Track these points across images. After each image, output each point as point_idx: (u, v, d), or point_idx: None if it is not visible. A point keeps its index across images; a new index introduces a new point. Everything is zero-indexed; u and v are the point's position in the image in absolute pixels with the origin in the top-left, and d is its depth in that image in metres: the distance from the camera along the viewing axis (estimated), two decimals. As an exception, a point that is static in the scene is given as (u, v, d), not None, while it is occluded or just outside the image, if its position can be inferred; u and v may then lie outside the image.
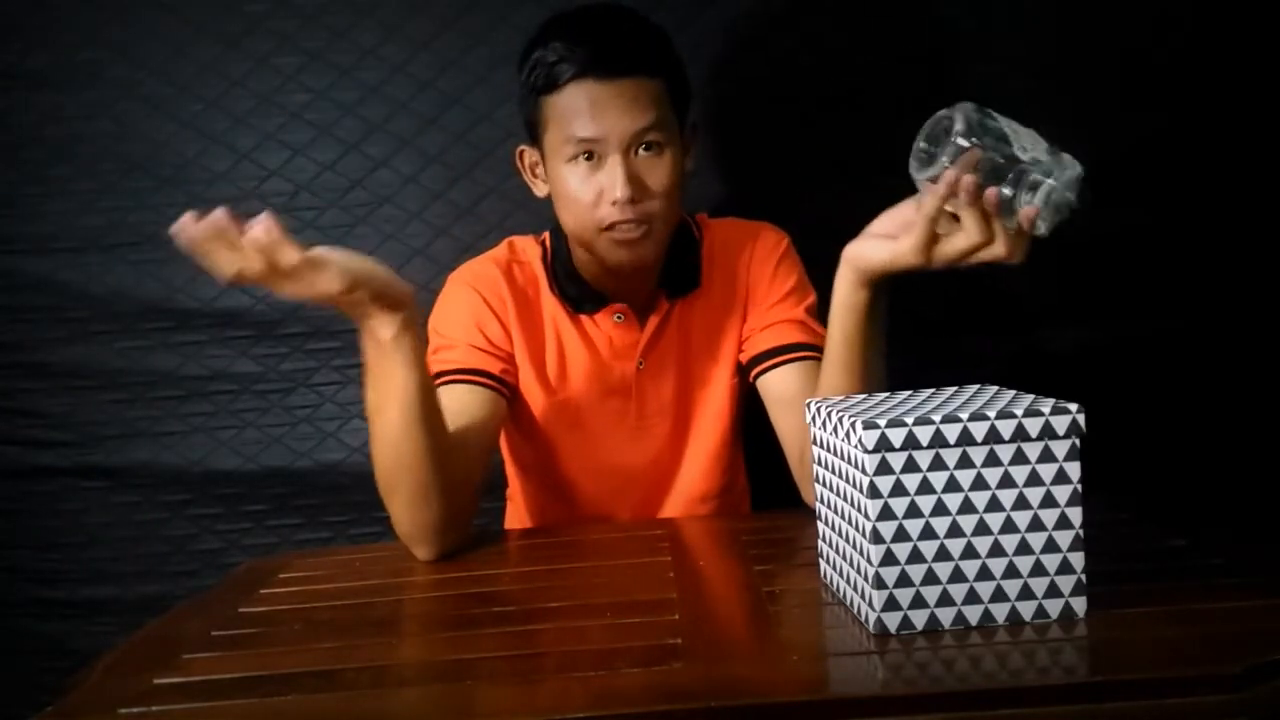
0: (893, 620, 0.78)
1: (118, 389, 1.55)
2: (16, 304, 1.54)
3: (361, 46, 1.52)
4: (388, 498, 1.08)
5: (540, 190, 1.24)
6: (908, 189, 0.96)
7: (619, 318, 1.26)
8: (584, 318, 1.26)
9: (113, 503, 1.57)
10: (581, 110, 1.13)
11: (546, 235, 1.30)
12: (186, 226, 0.87)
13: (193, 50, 1.51)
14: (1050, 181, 0.89)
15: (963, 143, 0.89)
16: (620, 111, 1.13)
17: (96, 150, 1.52)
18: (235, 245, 0.88)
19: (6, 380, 1.55)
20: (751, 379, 1.26)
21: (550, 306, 1.27)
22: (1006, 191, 0.89)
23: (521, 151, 1.25)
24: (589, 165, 1.15)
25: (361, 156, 1.53)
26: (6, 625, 1.59)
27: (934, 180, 0.91)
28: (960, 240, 0.93)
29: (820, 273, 1.28)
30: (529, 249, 1.30)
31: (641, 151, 1.15)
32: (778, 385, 1.22)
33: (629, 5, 1.19)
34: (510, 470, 1.36)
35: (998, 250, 0.92)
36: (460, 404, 1.16)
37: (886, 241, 0.99)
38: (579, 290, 1.26)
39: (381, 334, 0.99)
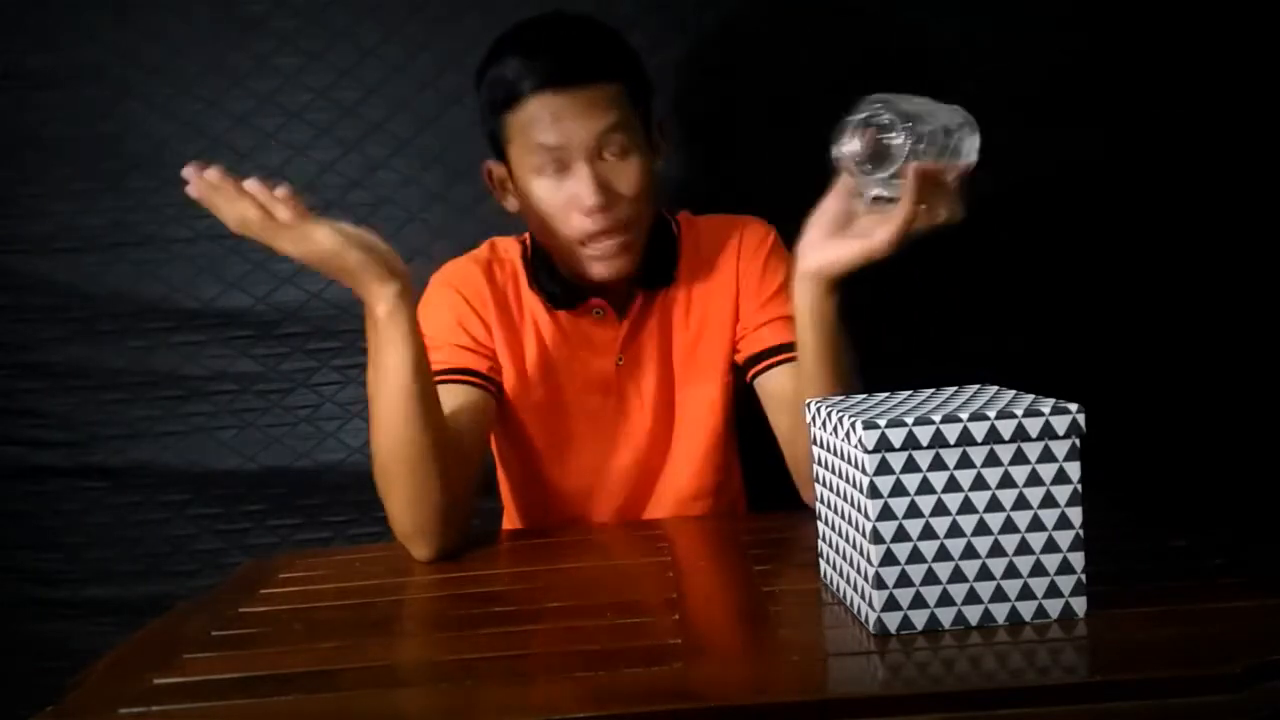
0: (893, 620, 0.78)
1: (118, 389, 1.55)
2: (16, 304, 1.54)
3: (361, 46, 1.52)
4: (385, 493, 1.08)
5: (511, 205, 1.24)
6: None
7: (598, 313, 1.25)
8: (563, 314, 1.26)
9: (113, 503, 1.57)
10: (544, 122, 1.14)
11: (528, 234, 1.30)
12: (191, 176, 0.97)
13: (193, 50, 1.51)
14: (973, 139, 0.95)
15: (899, 140, 0.92)
16: (582, 118, 1.14)
17: (96, 150, 1.52)
18: (236, 197, 0.97)
19: (6, 380, 1.55)
20: (748, 379, 1.25)
21: (530, 303, 1.27)
22: (957, 162, 0.95)
23: (489, 169, 1.25)
24: (556, 176, 1.16)
25: (361, 156, 1.53)
26: (6, 625, 1.59)
27: (893, 176, 0.93)
28: (913, 217, 0.94)
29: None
30: (510, 248, 1.30)
31: (608, 156, 1.16)
32: (775, 386, 1.22)
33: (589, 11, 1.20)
34: (499, 471, 1.36)
35: (954, 215, 0.95)
36: (451, 404, 1.16)
37: (849, 242, 1.00)
38: (558, 286, 1.25)
39: (377, 308, 1.01)
